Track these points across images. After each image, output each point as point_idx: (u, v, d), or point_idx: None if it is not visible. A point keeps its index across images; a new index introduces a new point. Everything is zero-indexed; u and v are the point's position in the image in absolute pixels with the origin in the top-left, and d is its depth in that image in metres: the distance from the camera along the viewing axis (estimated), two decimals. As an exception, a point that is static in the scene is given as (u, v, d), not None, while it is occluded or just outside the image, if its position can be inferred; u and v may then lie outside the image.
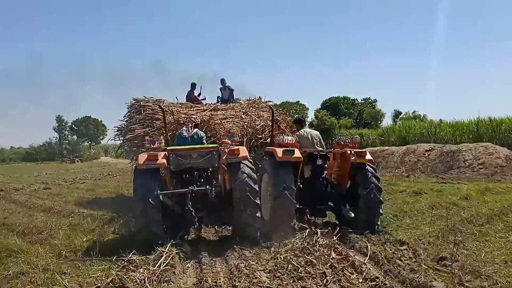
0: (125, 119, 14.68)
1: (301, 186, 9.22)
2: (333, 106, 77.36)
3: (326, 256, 7.01)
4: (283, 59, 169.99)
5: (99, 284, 5.87)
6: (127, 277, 6.16)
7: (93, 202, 15.04)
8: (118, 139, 15.31)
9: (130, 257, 6.99)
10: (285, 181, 8.24)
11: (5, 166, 57.65)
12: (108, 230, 9.82)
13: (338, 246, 7.64)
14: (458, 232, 8.70)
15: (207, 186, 8.18)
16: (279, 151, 8.36)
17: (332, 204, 9.36)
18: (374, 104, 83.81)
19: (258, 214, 7.97)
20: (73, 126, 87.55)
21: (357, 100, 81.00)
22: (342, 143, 9.44)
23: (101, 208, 13.37)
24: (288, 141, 8.83)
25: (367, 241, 7.88)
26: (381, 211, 8.93)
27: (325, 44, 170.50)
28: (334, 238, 8.02)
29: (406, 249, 7.52)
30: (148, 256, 7.14)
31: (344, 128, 67.75)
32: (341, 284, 5.97)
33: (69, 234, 9.19)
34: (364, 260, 6.94)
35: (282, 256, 7.00)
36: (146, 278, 6.13)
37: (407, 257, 7.11)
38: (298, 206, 8.60)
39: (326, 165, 9.69)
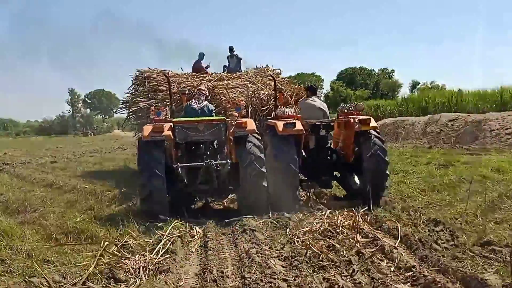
0: (130, 92, 14.27)
1: (305, 157, 9.01)
2: (349, 77, 75.93)
3: (350, 239, 6.04)
4: (298, 29, 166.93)
5: (85, 274, 4.96)
6: (120, 266, 5.29)
7: (98, 177, 14.22)
8: (123, 112, 15.12)
9: (125, 241, 6.11)
10: (287, 153, 8.00)
11: (18, 140, 57.53)
12: (107, 208, 8.96)
13: (363, 227, 6.67)
14: (497, 209, 7.68)
15: (228, 160, 8.04)
16: (280, 125, 8.04)
17: (338, 174, 9.35)
18: (391, 74, 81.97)
19: (265, 184, 7.75)
20: (86, 99, 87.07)
21: (373, 70, 79.48)
22: (346, 111, 9.17)
23: (104, 183, 12.55)
24: (289, 113, 8.57)
25: (396, 220, 6.90)
26: (388, 172, 8.53)
27: (342, 13, 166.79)
28: (358, 217, 7.08)
29: (442, 230, 6.45)
30: (146, 240, 6.25)
31: (360, 99, 66.54)
32: (371, 274, 4.91)
33: (64, 213, 8.34)
34: (395, 243, 5.97)
35: (299, 240, 6.06)
36: (141, 267, 5.24)
37: (444, 240, 6.10)
38: (302, 177, 8.60)
39: (330, 135, 9.43)
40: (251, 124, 8.04)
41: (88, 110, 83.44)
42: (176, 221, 7.01)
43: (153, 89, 12.80)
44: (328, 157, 9.30)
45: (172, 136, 7.87)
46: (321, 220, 6.84)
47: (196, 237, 6.73)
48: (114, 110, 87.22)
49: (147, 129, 7.65)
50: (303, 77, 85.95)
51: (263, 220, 7.32)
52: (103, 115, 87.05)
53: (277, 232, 6.81)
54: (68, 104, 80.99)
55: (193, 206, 8.60)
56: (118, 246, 5.92)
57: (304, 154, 9.01)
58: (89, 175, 14.75)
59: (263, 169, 7.72)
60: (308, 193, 9.06)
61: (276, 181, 7.97)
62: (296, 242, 6.01)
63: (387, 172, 8.52)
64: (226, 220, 7.53)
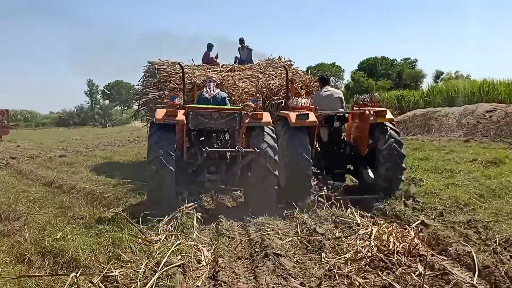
0: (141, 83, 14.10)
1: (318, 149, 8.82)
2: (370, 67, 73.81)
3: (412, 274, 4.39)
4: (317, 19, 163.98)
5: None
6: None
7: (103, 173, 12.80)
8: (134, 103, 15.49)
9: (108, 271, 4.58)
10: (300, 145, 7.76)
11: (37, 131, 56.80)
12: (101, 214, 7.48)
13: (423, 252, 5.02)
14: None
15: (255, 149, 7.56)
16: (293, 116, 7.84)
17: (351, 167, 9.14)
18: (414, 64, 79.43)
19: (276, 173, 7.49)
20: (105, 90, 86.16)
21: (396, 60, 77.07)
22: (361, 102, 9.10)
23: (107, 181, 11.18)
24: (303, 104, 8.42)
25: (465, 241, 5.24)
26: (403, 165, 8.24)
27: (363, 3, 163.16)
28: (412, 233, 5.45)
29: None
30: (137, 268, 4.70)
31: (382, 89, 64.43)
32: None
33: (49, 223, 6.85)
34: (472, 279, 4.33)
35: (341, 273, 4.45)
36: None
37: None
38: (315, 170, 8.36)
39: (344, 127, 9.15)
40: (267, 117, 7.76)
41: (107, 102, 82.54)
42: (178, 242, 5.46)
43: (163, 80, 12.60)
44: (342, 150, 9.02)
45: (185, 121, 7.57)
46: (367, 243, 5.19)
47: (203, 262, 5.14)
48: (133, 102, 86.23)
49: (161, 112, 7.40)
50: (323, 68, 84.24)
51: (289, 239, 5.71)
52: (122, 107, 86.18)
53: (309, 257, 5.19)
54: (87, 95, 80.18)
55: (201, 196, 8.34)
56: (98, 280, 4.36)
57: (317, 146, 8.81)
58: (94, 172, 13.31)
59: (276, 172, 7.45)
60: (321, 186, 8.41)
61: (288, 173, 7.79)
62: (337, 276, 4.40)
63: (403, 165, 8.21)
64: (246, 238, 6.05)
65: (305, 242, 5.57)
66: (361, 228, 5.87)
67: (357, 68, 73.57)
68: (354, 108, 9.14)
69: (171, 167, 7.11)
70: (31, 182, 12.12)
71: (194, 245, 5.53)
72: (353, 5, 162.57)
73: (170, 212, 6.90)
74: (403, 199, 7.54)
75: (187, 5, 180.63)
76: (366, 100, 9.23)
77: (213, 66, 13.61)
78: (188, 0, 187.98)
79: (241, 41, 15.15)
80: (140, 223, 6.61)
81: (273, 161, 7.44)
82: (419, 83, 73.42)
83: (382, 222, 6.33)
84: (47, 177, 12.46)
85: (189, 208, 7.14)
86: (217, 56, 14.59)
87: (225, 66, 13.84)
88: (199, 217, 6.91)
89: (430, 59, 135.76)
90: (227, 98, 9.48)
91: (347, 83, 74.42)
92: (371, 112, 8.21)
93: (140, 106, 14.11)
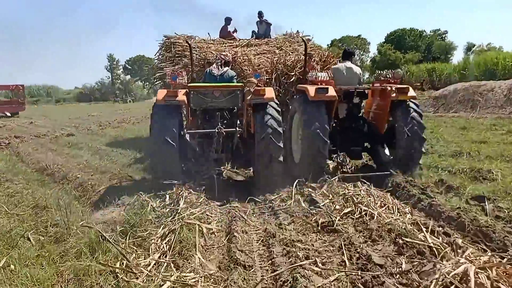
0: (157, 58, 13.69)
1: (335, 126, 8.47)
2: (398, 40, 70.60)
3: None
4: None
5: None
6: None
7: (106, 157, 11.23)
8: (151, 78, 14.72)
9: None
10: (318, 121, 7.42)
11: (57, 107, 55.56)
12: (80, 218, 5.68)
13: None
14: None
15: (237, 128, 7.74)
16: (311, 90, 7.57)
17: (368, 145, 8.77)
18: (444, 36, 75.72)
19: (281, 159, 7.30)
20: (127, 65, 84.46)
21: (425, 32, 73.46)
22: (382, 78, 8.56)
23: (106, 169, 9.57)
24: (322, 78, 8.12)
25: None
26: (423, 149, 7.88)
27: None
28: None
29: None
30: None
31: (410, 62, 61.51)
32: None
33: (10, 231, 5.12)
34: None
35: None
36: None
37: None
38: (332, 147, 8.02)
39: (363, 104, 8.82)
40: (269, 92, 7.48)
41: (128, 77, 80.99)
42: (172, 275, 3.65)
43: (178, 55, 12.18)
44: (360, 127, 8.58)
45: (187, 101, 7.46)
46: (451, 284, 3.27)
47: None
48: (149, 76, 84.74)
49: (162, 93, 7.24)
50: (347, 40, 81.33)
51: (334, 277, 3.81)
52: (143, 82, 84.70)
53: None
54: (108, 70, 78.48)
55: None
56: None
57: (335, 122, 8.46)
58: (97, 155, 11.70)
59: (280, 144, 7.23)
60: (337, 163, 8.62)
61: (304, 149, 7.59)
62: None
63: (422, 149, 7.83)
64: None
65: (357, 282, 3.65)
66: (438, 259, 3.93)
67: (384, 41, 70.30)
68: (375, 84, 8.73)
69: (174, 142, 6.93)
70: (24, 167, 10.52)
71: (193, 283, 3.70)
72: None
73: (173, 187, 6.67)
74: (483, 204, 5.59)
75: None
76: (388, 76, 8.48)
77: (229, 41, 13.08)
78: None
79: (260, 14, 14.38)
80: (127, 236, 4.87)
81: (277, 132, 7.17)
82: (449, 55, 70.06)
83: (461, 242, 4.37)
84: (43, 161, 10.83)
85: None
86: (235, 30, 13.89)
87: (241, 40, 13.26)
88: (205, 228, 5.11)
89: (460, 31, 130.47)
90: (235, 77, 8.82)
91: (373, 56, 71.52)
92: (393, 89, 7.75)
93: (155, 81, 13.77)
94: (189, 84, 7.90)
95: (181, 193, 6.33)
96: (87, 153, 12.23)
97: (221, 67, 8.68)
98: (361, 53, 77.93)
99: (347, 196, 6.30)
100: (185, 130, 7.65)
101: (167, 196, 6.38)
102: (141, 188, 6.95)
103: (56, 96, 69.57)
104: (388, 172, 7.46)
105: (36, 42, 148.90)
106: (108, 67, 78.40)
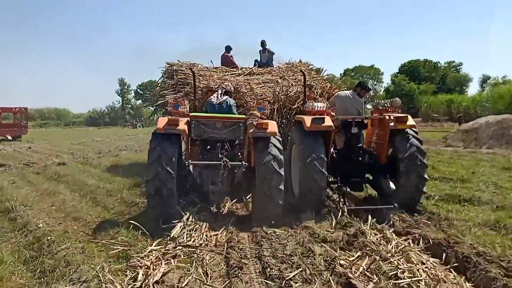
0: (159, 85, 13.25)
1: (335, 157, 8.23)
2: (412, 70, 69.49)
3: None
4: (354, 21, 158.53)
5: None
6: None
7: (87, 196, 9.37)
8: (151, 105, 14.08)
9: None
10: (314, 152, 7.22)
11: (65, 130, 54.15)
12: None
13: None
14: None
15: (243, 162, 7.48)
16: (307, 120, 7.42)
17: (370, 177, 8.44)
18: (458, 68, 74.36)
19: (281, 201, 6.93)
20: (138, 90, 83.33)
21: (439, 63, 72.20)
22: (381, 107, 8.39)
23: (82, 213, 7.70)
24: (319, 108, 7.82)
25: None
26: (426, 176, 7.42)
27: (402, 3, 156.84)
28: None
29: None
30: None
31: (424, 94, 59.93)
32: None
33: None
34: None
35: None
36: None
37: None
38: (331, 179, 8.01)
39: (362, 134, 8.62)
40: (272, 126, 7.21)
41: (138, 102, 79.81)
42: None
43: (180, 83, 11.87)
44: (360, 158, 8.31)
45: (187, 131, 7.25)
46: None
47: None
48: (149, 104, 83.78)
49: (162, 121, 6.93)
50: (361, 70, 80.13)
51: None
52: (154, 107, 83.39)
53: None
54: (118, 95, 77.03)
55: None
56: None
57: (334, 153, 8.33)
58: (78, 193, 9.77)
59: (281, 187, 6.88)
60: (338, 196, 8.10)
61: (302, 180, 7.31)
62: None
63: (425, 176, 7.44)
64: None
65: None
66: None
67: (397, 71, 68.96)
68: (374, 114, 8.58)
69: (172, 172, 6.65)
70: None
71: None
72: (392, 6, 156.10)
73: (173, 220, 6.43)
74: None
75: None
76: (386, 105, 8.38)
77: (231, 69, 12.81)
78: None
79: (263, 43, 14.23)
80: None
81: (278, 175, 6.87)
82: (464, 87, 68.53)
83: None
84: (12, 200, 8.88)
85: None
86: (231, 56, 13.67)
87: (244, 69, 12.99)
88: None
89: (473, 63, 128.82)
90: (234, 106, 8.77)
91: (387, 86, 70.07)
92: (391, 118, 7.69)
93: (156, 108, 13.21)
94: (190, 114, 7.67)
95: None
96: (69, 190, 10.32)
97: (221, 96, 8.60)
98: (375, 83, 76.57)
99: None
100: (189, 160, 7.38)
101: (140, 273, 4.40)
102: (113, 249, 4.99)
103: (65, 120, 68.35)
104: (392, 206, 7.15)
105: (48, 64, 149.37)
106: (119, 92, 76.98)
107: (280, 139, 7.29)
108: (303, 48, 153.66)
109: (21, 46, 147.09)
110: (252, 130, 7.15)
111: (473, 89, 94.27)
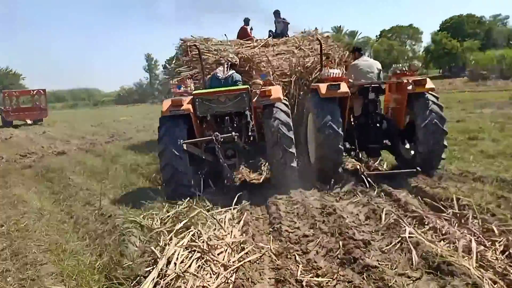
0: (174, 62, 12.71)
1: (352, 123, 8.20)
2: (454, 27, 64.33)
3: None
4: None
5: None
6: None
7: (67, 201, 7.26)
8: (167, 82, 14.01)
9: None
10: (330, 115, 7.03)
11: (92, 111, 52.34)
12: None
13: None
14: None
15: (233, 132, 7.13)
16: (323, 87, 7.23)
17: (388, 142, 8.14)
18: (505, 21, 68.78)
19: (294, 164, 6.92)
20: (166, 65, 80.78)
21: (484, 17, 66.72)
22: (398, 72, 8.18)
23: (44, 233, 5.31)
24: (334, 75, 7.64)
25: None
26: (445, 143, 7.26)
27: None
28: None
29: None
30: None
31: (469, 51, 55.31)
32: None
33: None
34: None
35: None
36: None
37: None
38: (348, 146, 7.83)
39: (380, 99, 8.13)
40: (276, 92, 7.17)
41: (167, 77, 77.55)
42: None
43: (195, 58, 11.20)
44: (378, 124, 7.96)
45: (192, 110, 7.02)
46: None
47: None
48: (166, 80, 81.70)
49: (166, 103, 6.96)
50: (398, 30, 75.09)
51: None
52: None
53: None
54: (146, 71, 74.56)
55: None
56: None
57: (351, 120, 8.19)
58: (55, 199, 7.42)
59: (292, 150, 6.86)
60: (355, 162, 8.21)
61: (318, 148, 7.17)
62: None
63: (445, 143, 7.24)
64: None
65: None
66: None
67: (438, 29, 63.88)
68: (392, 78, 8.28)
69: (183, 155, 6.65)
70: None
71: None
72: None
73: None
74: None
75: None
76: (404, 68, 7.99)
77: (246, 41, 12.20)
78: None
79: (277, 13, 13.77)
80: None
81: (288, 138, 6.84)
82: (511, 42, 63.23)
83: None
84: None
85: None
86: (251, 29, 13.28)
87: (259, 40, 12.42)
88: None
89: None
90: (240, 81, 8.28)
91: (427, 45, 65.29)
92: (409, 82, 7.38)
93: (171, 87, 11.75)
94: (193, 92, 7.46)
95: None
96: (47, 193, 7.88)
97: (227, 70, 8.42)
98: (413, 43, 71.71)
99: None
100: (181, 141, 6.86)
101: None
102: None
103: (94, 100, 66.88)
104: (414, 170, 7.05)
105: (74, 45, 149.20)
106: (147, 68, 74.39)
107: (287, 103, 7.31)
108: (335, 12, 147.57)
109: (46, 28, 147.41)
110: (256, 98, 7.12)
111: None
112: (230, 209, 5.93)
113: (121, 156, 11.48)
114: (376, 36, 71.03)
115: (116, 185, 7.83)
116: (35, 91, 31.21)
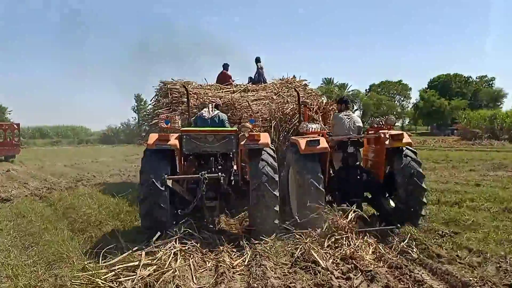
0: (153, 103, 12.85)
1: (332, 177, 8.12)
2: (442, 85, 65.03)
3: None
4: (380, 33, 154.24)
5: None
6: None
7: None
8: (145, 124, 14.30)
9: None
10: (310, 172, 7.11)
11: (74, 149, 50.28)
12: None
13: None
14: None
15: (220, 173, 7.10)
16: (302, 142, 7.31)
17: (369, 195, 8.31)
18: (491, 83, 69.74)
19: (276, 208, 6.84)
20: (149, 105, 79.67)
21: (471, 78, 67.53)
22: (376, 125, 8.34)
23: None
24: (313, 129, 8.11)
25: None
26: (425, 200, 7.32)
27: (434, 11, 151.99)
28: None
29: None
30: None
31: (456, 109, 55.51)
32: None
33: None
34: None
35: None
36: None
37: None
38: (328, 198, 7.86)
39: (360, 152, 8.28)
40: (265, 138, 7.19)
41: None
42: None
43: (175, 101, 11.71)
44: (358, 176, 7.98)
45: (178, 146, 7.06)
46: None
47: None
48: (143, 123, 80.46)
49: (153, 137, 6.93)
50: (387, 85, 75.70)
51: None
52: (148, 127, 79.53)
53: None
54: (134, 111, 73.34)
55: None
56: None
57: (331, 173, 8.19)
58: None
59: (276, 193, 6.81)
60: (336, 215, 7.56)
61: (300, 203, 7.19)
62: None
63: (424, 200, 7.26)
64: None
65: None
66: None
67: (427, 86, 64.61)
68: (369, 132, 8.34)
69: (163, 189, 6.57)
70: None
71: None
72: (419, 22, 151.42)
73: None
74: None
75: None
76: (381, 123, 8.09)
77: (226, 86, 12.73)
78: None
79: (257, 60, 14.00)
80: None
81: (274, 182, 6.78)
82: (498, 103, 63.88)
83: None
84: None
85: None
86: (231, 77, 13.52)
87: (239, 86, 12.94)
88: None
89: (507, 78, 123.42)
90: (226, 121, 8.56)
91: (416, 102, 65.65)
92: (387, 136, 7.44)
93: (151, 128, 12.40)
94: (181, 128, 7.50)
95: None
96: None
97: (212, 111, 8.46)
98: (402, 99, 72.21)
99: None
100: (166, 175, 6.71)
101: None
102: None
103: (80, 138, 65.31)
104: (394, 226, 6.94)
105: (68, 84, 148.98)
106: (135, 108, 73.11)
107: (274, 148, 7.37)
108: (327, 63, 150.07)
109: (42, 62, 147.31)
110: (244, 142, 7.05)
111: (507, 104, 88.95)
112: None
113: (74, 208, 9.82)
114: (366, 90, 71.47)
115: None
116: (7, 126, 29.61)
